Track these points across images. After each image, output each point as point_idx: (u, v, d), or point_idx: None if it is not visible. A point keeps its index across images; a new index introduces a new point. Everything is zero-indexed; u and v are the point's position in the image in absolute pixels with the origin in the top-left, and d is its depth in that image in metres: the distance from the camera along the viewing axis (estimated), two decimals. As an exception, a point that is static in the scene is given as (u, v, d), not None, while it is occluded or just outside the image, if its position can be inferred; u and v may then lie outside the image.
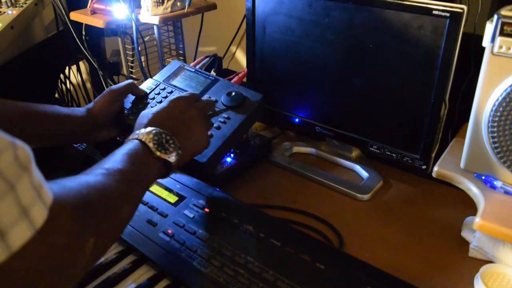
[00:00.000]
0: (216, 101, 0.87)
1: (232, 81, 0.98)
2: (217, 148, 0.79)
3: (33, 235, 0.36)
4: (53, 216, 0.39)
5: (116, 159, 0.54)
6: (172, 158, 0.60)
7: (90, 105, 0.83)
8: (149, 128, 0.60)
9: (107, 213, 0.47)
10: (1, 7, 1.19)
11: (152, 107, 0.90)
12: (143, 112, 0.67)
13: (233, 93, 0.87)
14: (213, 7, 1.21)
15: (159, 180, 0.76)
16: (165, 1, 1.10)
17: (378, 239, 0.74)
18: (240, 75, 1.02)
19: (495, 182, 0.65)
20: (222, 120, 0.83)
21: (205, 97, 0.88)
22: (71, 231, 0.41)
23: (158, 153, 0.59)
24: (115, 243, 0.69)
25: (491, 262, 0.67)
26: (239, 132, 0.83)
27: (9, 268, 0.35)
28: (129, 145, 0.58)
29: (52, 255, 0.39)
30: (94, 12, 1.17)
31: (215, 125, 0.82)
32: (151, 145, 0.58)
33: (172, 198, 0.73)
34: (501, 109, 0.61)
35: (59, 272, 0.40)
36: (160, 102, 0.90)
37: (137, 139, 0.59)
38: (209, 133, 0.81)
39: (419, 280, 0.64)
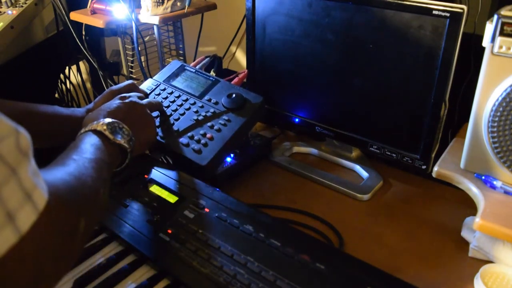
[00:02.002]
0: (217, 102, 0.87)
1: (233, 82, 0.98)
2: (217, 151, 0.79)
3: (37, 217, 0.38)
4: (52, 199, 0.41)
5: (79, 150, 0.57)
6: (126, 143, 0.65)
7: (90, 105, 0.83)
8: (102, 120, 0.65)
9: (88, 196, 0.50)
10: (1, 7, 1.19)
11: None
12: (93, 112, 0.71)
13: (234, 95, 0.87)
14: (213, 7, 1.21)
15: (159, 180, 0.77)
16: (165, 1, 1.10)
17: (378, 239, 0.74)
18: (240, 76, 1.02)
19: (495, 182, 0.65)
20: (222, 122, 0.83)
21: (205, 98, 0.89)
22: (66, 213, 0.44)
23: (114, 140, 0.63)
24: (115, 242, 0.69)
25: (491, 262, 0.67)
26: (239, 135, 0.83)
27: (20, 250, 0.37)
28: (87, 136, 0.62)
29: (54, 236, 0.41)
30: (94, 12, 1.17)
31: (215, 127, 0.83)
32: (106, 133, 0.63)
33: (172, 198, 0.73)
34: (501, 109, 0.61)
35: (61, 250, 0.43)
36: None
37: (90, 130, 0.63)
38: (209, 135, 0.81)
39: (419, 280, 0.64)
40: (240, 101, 0.86)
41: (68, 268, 0.46)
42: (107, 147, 0.62)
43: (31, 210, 0.38)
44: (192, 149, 0.80)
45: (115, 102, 0.73)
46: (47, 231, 0.40)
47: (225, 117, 0.84)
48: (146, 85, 0.96)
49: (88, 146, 0.59)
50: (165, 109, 0.89)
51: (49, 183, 0.42)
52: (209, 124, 0.84)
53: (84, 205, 0.48)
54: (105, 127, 0.63)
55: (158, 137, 0.83)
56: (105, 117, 0.67)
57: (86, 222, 0.47)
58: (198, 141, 0.81)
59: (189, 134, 0.83)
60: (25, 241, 0.37)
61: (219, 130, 0.82)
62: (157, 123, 0.86)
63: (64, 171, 0.49)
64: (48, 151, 0.83)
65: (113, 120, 0.65)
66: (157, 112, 0.87)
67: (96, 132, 0.63)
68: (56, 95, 1.42)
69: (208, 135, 0.82)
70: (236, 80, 1.00)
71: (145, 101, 0.80)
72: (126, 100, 0.75)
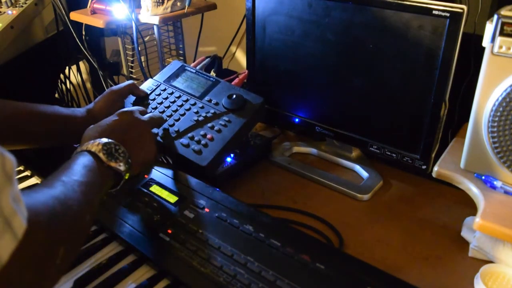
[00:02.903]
0: (217, 103, 0.87)
1: (233, 82, 0.98)
2: (218, 152, 0.79)
3: (16, 246, 0.37)
4: (31, 226, 0.39)
5: (70, 171, 0.55)
6: (122, 167, 0.62)
7: (90, 105, 0.83)
8: (98, 140, 0.62)
9: (71, 223, 0.48)
10: (1, 7, 1.19)
11: (153, 108, 0.90)
12: (91, 126, 0.68)
13: (234, 96, 0.87)
14: (213, 7, 1.21)
15: (159, 180, 0.77)
16: (165, 1, 1.10)
17: (378, 239, 0.74)
18: (240, 76, 1.02)
19: (495, 182, 0.65)
20: (223, 123, 0.83)
21: (206, 99, 0.89)
22: (45, 241, 0.42)
23: (108, 162, 0.60)
24: (115, 242, 0.69)
25: (491, 262, 0.67)
26: (239, 135, 0.83)
27: None
28: (80, 157, 0.59)
29: (30, 265, 0.40)
30: (94, 12, 1.17)
31: (216, 128, 0.83)
32: (101, 154, 0.60)
33: (172, 198, 0.73)
34: (501, 109, 0.61)
35: (36, 282, 0.42)
36: (161, 103, 0.91)
37: (86, 150, 0.60)
38: (209, 136, 0.81)
39: (419, 280, 0.64)
40: (241, 102, 0.86)
41: None
42: (100, 170, 0.59)
43: (10, 239, 0.36)
44: (192, 149, 0.80)
45: (115, 118, 0.70)
46: (24, 259, 0.39)
47: (225, 117, 0.84)
48: (147, 85, 0.96)
49: (80, 167, 0.56)
50: (165, 109, 0.89)
51: (30, 208, 0.41)
52: (209, 124, 0.84)
53: (65, 232, 0.46)
54: (100, 148, 0.60)
55: (158, 138, 0.83)
56: (102, 135, 0.64)
57: (66, 249, 0.46)
58: (198, 142, 0.81)
59: (190, 134, 0.83)
60: (4, 270, 0.36)
61: (219, 131, 0.82)
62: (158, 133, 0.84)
63: (49, 195, 0.47)
64: (48, 151, 0.84)
65: (110, 140, 0.62)
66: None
67: (91, 152, 0.60)
68: (56, 95, 1.42)
69: (209, 136, 0.82)
70: (236, 80, 1.00)
71: (146, 116, 0.75)
72: (127, 116, 0.71)
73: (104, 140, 0.62)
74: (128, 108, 0.75)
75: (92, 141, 0.62)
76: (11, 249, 0.36)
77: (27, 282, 0.40)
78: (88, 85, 1.48)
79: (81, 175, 0.55)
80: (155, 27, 1.18)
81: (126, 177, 0.63)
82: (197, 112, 0.87)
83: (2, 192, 0.36)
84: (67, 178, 0.52)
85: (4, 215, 0.36)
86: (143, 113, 0.77)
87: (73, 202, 0.49)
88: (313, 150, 0.98)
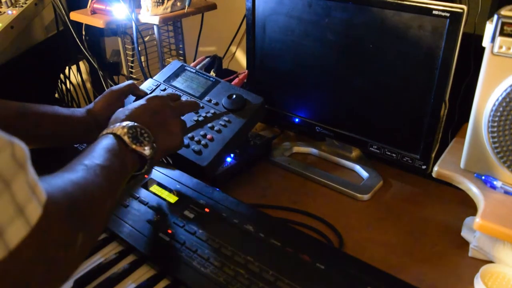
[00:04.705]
0: (217, 103, 0.87)
1: (233, 82, 0.98)
2: (217, 152, 0.79)
3: (28, 232, 0.37)
4: (46, 214, 0.39)
5: (93, 154, 0.54)
6: (146, 151, 0.61)
7: (91, 105, 0.83)
8: (124, 123, 0.62)
9: (91, 208, 0.48)
10: (1, 7, 1.19)
11: None
12: (120, 110, 0.68)
13: (234, 96, 0.87)
14: (213, 7, 1.21)
15: (159, 180, 0.77)
16: (165, 1, 1.10)
17: (378, 239, 0.74)
18: (240, 76, 1.02)
19: (495, 182, 0.65)
20: (223, 123, 0.83)
21: (206, 99, 0.88)
22: (62, 228, 0.42)
23: (133, 146, 0.60)
24: (115, 242, 0.69)
25: (491, 262, 0.67)
26: (239, 136, 0.83)
27: (7, 266, 0.35)
28: (104, 140, 0.59)
29: (45, 251, 0.40)
30: (94, 12, 1.17)
31: (216, 128, 0.83)
32: (126, 138, 0.60)
33: (172, 198, 0.73)
34: (501, 109, 0.61)
35: (52, 268, 0.41)
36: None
37: (111, 133, 0.60)
38: (209, 136, 0.81)
39: (419, 280, 0.64)
40: (241, 102, 0.86)
41: (61, 283, 0.44)
42: (124, 153, 0.59)
43: (22, 225, 0.36)
44: (192, 150, 0.80)
45: (143, 103, 0.69)
46: (38, 246, 0.38)
47: (225, 118, 0.84)
48: (147, 85, 0.96)
49: (104, 151, 0.56)
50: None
51: (49, 194, 0.40)
52: (209, 125, 0.84)
53: (84, 218, 0.46)
54: (125, 132, 0.60)
55: None
56: (128, 118, 0.64)
57: (85, 236, 0.45)
58: (198, 142, 0.81)
59: (189, 135, 0.83)
60: (13, 256, 0.36)
61: (219, 131, 0.82)
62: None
63: (68, 180, 0.47)
64: (48, 151, 0.84)
65: (135, 124, 0.62)
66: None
67: (115, 135, 0.59)
68: (56, 95, 1.42)
69: (208, 136, 0.82)
70: (236, 80, 1.00)
71: (176, 103, 0.74)
72: (155, 102, 0.70)
73: (130, 123, 0.61)
74: (159, 93, 0.74)
75: (118, 124, 0.61)
76: (22, 235, 0.36)
77: (41, 268, 0.40)
78: (88, 85, 1.48)
79: (104, 159, 0.54)
80: (155, 27, 1.18)
81: (149, 163, 0.63)
82: (197, 112, 0.87)
83: (14, 180, 0.36)
84: (89, 162, 0.52)
85: (17, 202, 0.36)
86: (174, 98, 0.76)
87: (94, 188, 0.49)
88: (313, 150, 0.98)
